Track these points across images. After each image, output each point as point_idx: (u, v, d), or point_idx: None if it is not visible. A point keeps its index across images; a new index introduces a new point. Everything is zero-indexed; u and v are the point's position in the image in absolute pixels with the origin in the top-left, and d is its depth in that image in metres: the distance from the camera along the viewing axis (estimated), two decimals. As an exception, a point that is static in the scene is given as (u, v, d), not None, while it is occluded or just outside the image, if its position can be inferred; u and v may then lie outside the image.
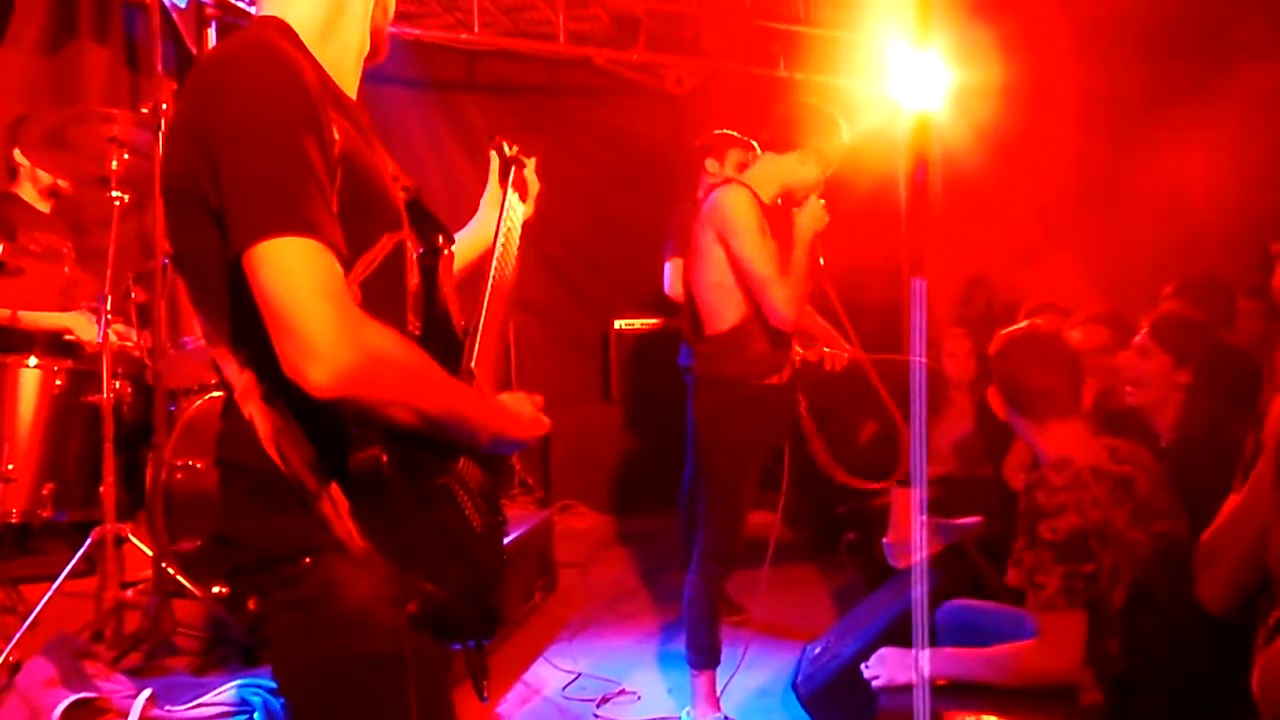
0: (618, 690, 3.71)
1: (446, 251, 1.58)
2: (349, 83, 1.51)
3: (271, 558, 1.36)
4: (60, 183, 4.11)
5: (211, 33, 4.70)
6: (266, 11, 1.46)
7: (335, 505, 1.32)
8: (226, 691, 2.86)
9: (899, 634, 2.81)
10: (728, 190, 3.24)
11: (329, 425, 1.29)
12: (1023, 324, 2.58)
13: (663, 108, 6.33)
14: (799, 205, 3.34)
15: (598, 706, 3.60)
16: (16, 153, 4.04)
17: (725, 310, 3.28)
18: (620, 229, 6.31)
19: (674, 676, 3.78)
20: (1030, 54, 4.98)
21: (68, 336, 3.87)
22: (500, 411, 1.49)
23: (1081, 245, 5.61)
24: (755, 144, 3.45)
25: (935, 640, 2.87)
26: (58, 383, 3.72)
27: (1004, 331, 2.56)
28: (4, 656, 3.08)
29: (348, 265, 1.30)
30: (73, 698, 2.69)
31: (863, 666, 2.64)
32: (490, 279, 1.68)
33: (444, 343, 1.52)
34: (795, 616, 4.36)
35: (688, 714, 3.43)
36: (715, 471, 3.34)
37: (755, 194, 3.24)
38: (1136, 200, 5.34)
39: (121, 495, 3.64)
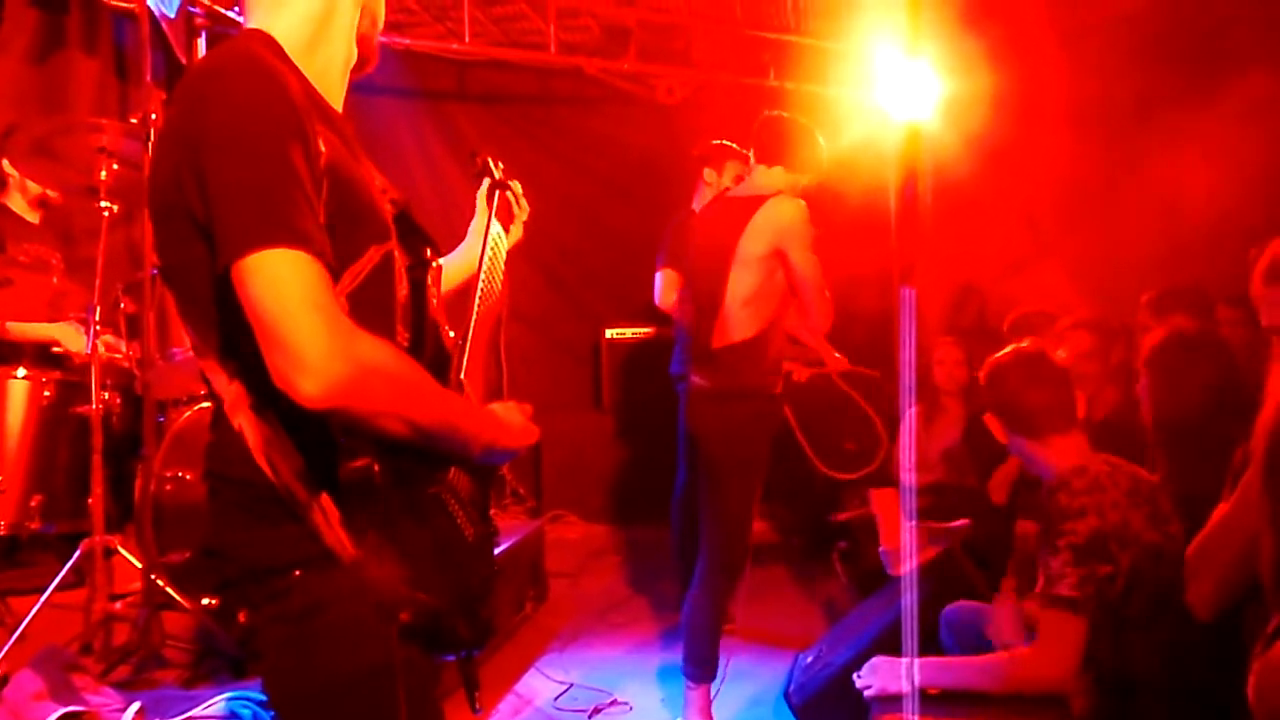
0: (610, 701, 3.70)
1: (435, 264, 1.58)
2: (335, 94, 1.51)
3: (261, 570, 1.36)
4: (50, 193, 4.09)
5: (201, 43, 4.68)
6: (253, 24, 1.46)
7: (326, 515, 1.32)
8: (216, 704, 2.86)
9: (891, 642, 2.81)
10: (784, 202, 3.26)
11: (319, 436, 1.29)
12: (1008, 348, 2.61)
13: (654, 117, 6.34)
14: None
15: (590, 717, 3.59)
16: (5, 163, 4.03)
17: (752, 320, 3.28)
18: (611, 238, 6.32)
19: (666, 687, 3.78)
20: (1020, 63, 5.00)
21: (55, 349, 3.85)
22: (491, 421, 1.48)
23: (1071, 253, 5.62)
24: (750, 155, 3.46)
25: (939, 643, 2.87)
26: (46, 394, 3.70)
27: (992, 358, 2.59)
28: (-8, 670, 3.06)
29: (335, 277, 1.30)
30: (61, 711, 2.68)
31: (855, 676, 2.64)
32: (478, 293, 1.68)
33: (433, 354, 1.52)
34: (787, 625, 4.36)
35: (680, 725, 3.42)
36: (729, 485, 3.32)
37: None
38: (1126, 208, 5.36)
39: (110, 507, 3.62)
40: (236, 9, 4.52)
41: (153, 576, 3.46)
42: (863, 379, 3.80)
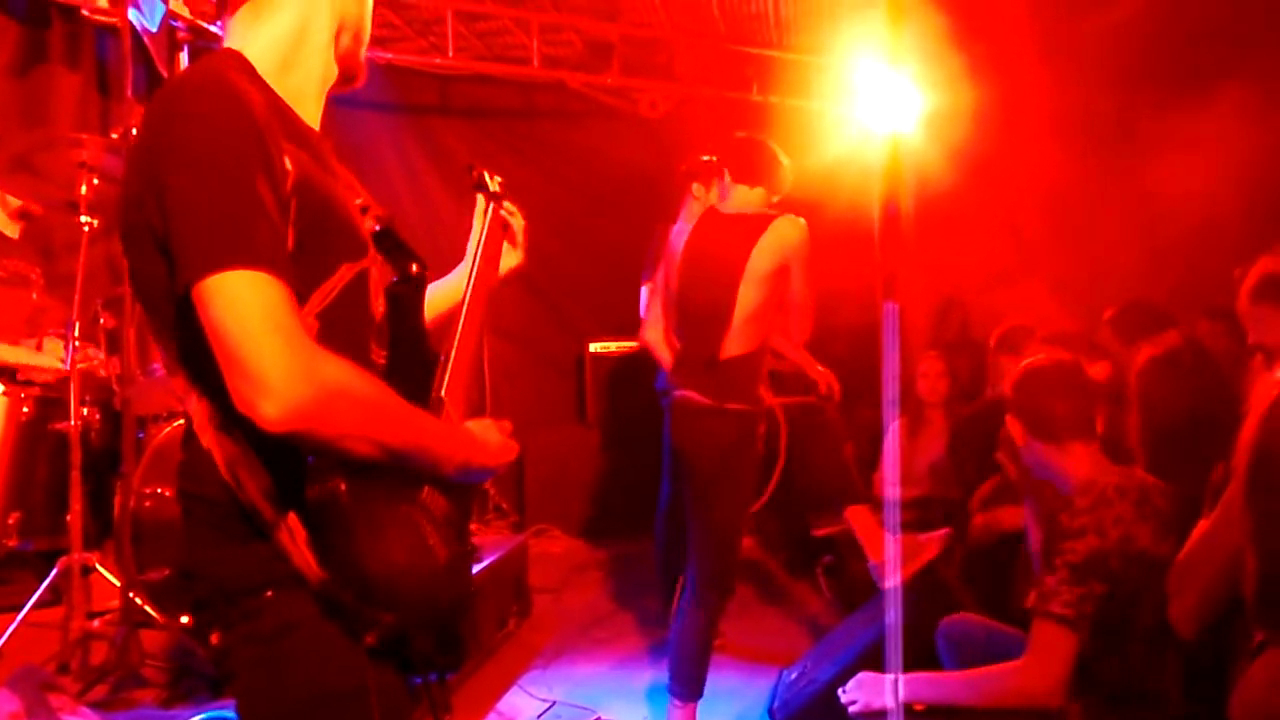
0: (593, 718, 3.67)
1: (419, 278, 1.56)
2: (311, 112, 1.50)
3: (233, 590, 1.35)
4: (31, 207, 4.07)
5: (183, 57, 4.67)
6: (229, 44, 1.46)
7: (293, 535, 1.31)
8: (194, 724, 2.83)
9: (876, 658, 2.81)
10: (792, 221, 3.33)
11: (286, 455, 1.28)
12: (1045, 356, 2.63)
13: (637, 131, 6.36)
14: None
15: (573, 734, 3.57)
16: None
17: (754, 335, 3.32)
18: (595, 252, 6.32)
19: (651, 704, 3.76)
20: (1001, 77, 5.03)
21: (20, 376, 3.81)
22: (466, 440, 1.47)
23: (1054, 266, 5.65)
24: (726, 174, 3.50)
25: (929, 658, 2.87)
26: (25, 410, 3.68)
27: (1025, 363, 2.61)
28: (-33, 690, 3.02)
29: (304, 296, 1.29)
30: (36, 732, 2.65)
31: (840, 691, 2.63)
32: (464, 308, 1.67)
33: (414, 370, 1.51)
34: (771, 641, 4.34)
35: (664, 743, 3.40)
36: (720, 500, 3.31)
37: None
38: (1108, 221, 5.39)
39: (89, 524, 3.60)
40: (218, 23, 4.52)
41: (131, 594, 3.43)
42: (809, 409, 3.85)
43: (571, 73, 6.03)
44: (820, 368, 3.93)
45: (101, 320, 3.96)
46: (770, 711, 3.54)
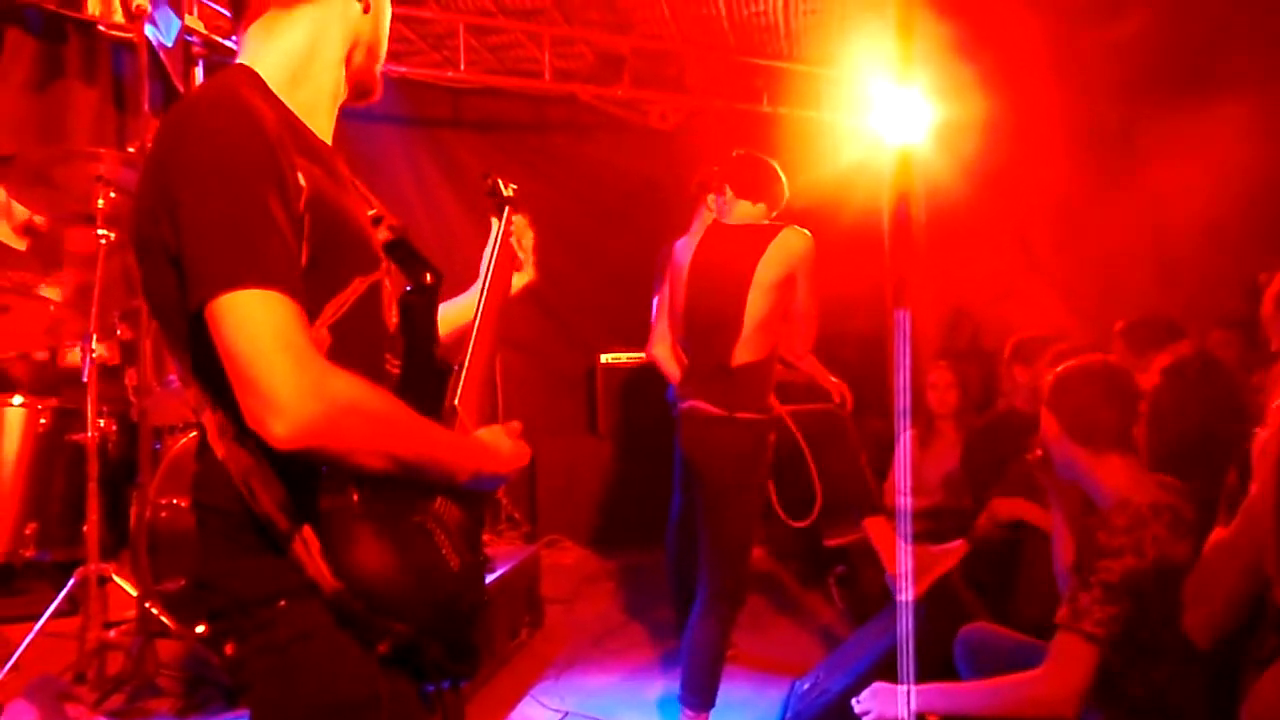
0: (606, 728, 3.68)
1: (433, 287, 1.58)
2: (322, 127, 1.51)
3: (247, 601, 1.36)
4: (36, 219, 4.10)
5: (199, 72, 4.71)
6: (241, 60, 1.48)
7: (307, 546, 1.32)
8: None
9: (888, 669, 2.80)
10: (798, 232, 3.39)
11: (300, 466, 1.29)
12: (1094, 358, 2.57)
13: (648, 143, 6.38)
14: None
15: (586, 744, 3.58)
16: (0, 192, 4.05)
17: (763, 343, 3.34)
18: (606, 263, 6.34)
19: (663, 715, 3.76)
20: (1012, 88, 5.05)
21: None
22: (478, 450, 1.48)
23: (1064, 276, 5.65)
24: (727, 189, 3.54)
25: (945, 668, 2.86)
26: (42, 421, 3.71)
27: (1069, 364, 2.55)
28: (-15, 699, 3.05)
29: (317, 309, 1.31)
30: (54, 741, 2.66)
31: (853, 701, 2.63)
32: (477, 318, 1.68)
33: (427, 379, 1.52)
34: (783, 651, 4.34)
35: (677, 754, 3.40)
36: (730, 510, 3.32)
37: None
38: (1118, 231, 5.39)
39: (105, 534, 3.61)
40: (234, 38, 4.55)
41: (147, 604, 3.45)
42: (824, 416, 3.84)
43: (583, 85, 6.05)
44: (833, 378, 3.94)
45: (119, 332, 3.99)
46: (783, 722, 3.54)
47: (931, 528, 4.11)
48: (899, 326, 3.19)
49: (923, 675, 2.54)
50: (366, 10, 1.54)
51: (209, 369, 1.28)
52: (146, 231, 1.32)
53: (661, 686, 3.98)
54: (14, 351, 3.95)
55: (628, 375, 6.12)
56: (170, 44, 4.44)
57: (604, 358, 6.17)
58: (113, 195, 3.69)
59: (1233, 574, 2.04)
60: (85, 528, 3.50)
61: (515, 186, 1.94)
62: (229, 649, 1.38)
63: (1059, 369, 2.55)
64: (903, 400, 3.34)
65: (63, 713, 2.91)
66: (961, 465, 4.43)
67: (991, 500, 3.64)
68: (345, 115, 1.59)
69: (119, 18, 4.50)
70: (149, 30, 3.88)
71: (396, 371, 1.50)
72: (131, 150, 3.65)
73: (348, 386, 1.26)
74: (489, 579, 3.94)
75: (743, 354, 3.32)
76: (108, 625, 3.60)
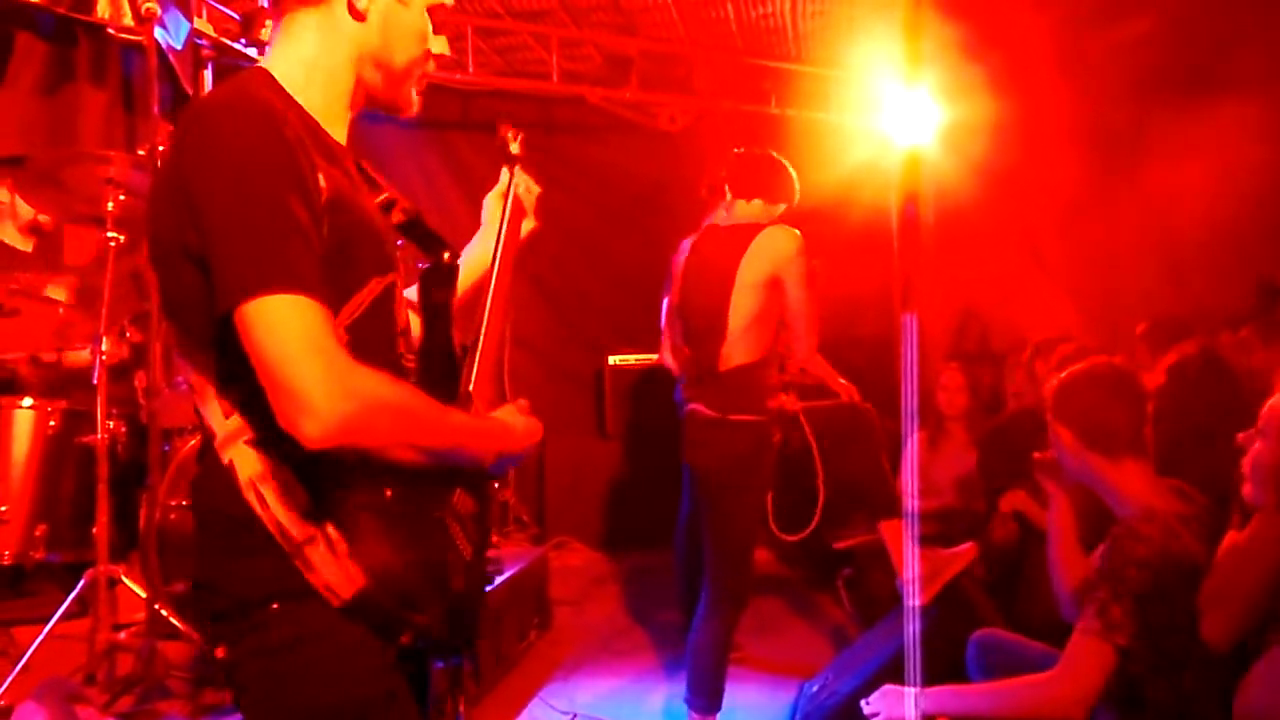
0: (614, 730, 3.68)
1: (452, 266, 1.61)
2: (336, 130, 1.52)
3: (239, 603, 1.36)
4: (41, 218, 4.11)
5: (208, 74, 4.72)
6: (261, 63, 1.49)
7: (332, 547, 1.32)
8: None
9: (898, 671, 2.80)
10: (781, 232, 3.34)
11: (329, 467, 1.30)
12: (1097, 360, 2.54)
13: (656, 145, 6.38)
14: None
15: (594, 747, 3.57)
16: (2, 191, 4.06)
17: (755, 345, 3.33)
18: (614, 265, 6.34)
19: (671, 716, 3.75)
20: (1020, 89, 5.04)
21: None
22: (499, 431, 1.52)
23: (1072, 277, 5.64)
24: (726, 190, 3.52)
25: (957, 670, 2.85)
26: (52, 423, 3.71)
27: (1075, 368, 2.51)
28: (-5, 701, 3.05)
29: (335, 309, 1.32)
30: (65, 742, 2.67)
31: (863, 703, 2.62)
32: (489, 296, 1.69)
33: (442, 367, 1.55)
34: (792, 654, 4.33)
35: (686, 757, 3.40)
36: (731, 513, 3.32)
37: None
38: (1126, 233, 5.38)
39: (115, 536, 3.62)
40: (242, 40, 4.53)
41: (157, 606, 3.46)
42: (847, 412, 3.79)
43: (591, 87, 6.06)
44: (843, 380, 3.93)
45: (128, 335, 4.00)
46: (791, 724, 3.53)
47: (940, 530, 4.11)
48: (906, 328, 3.17)
49: (933, 678, 2.54)
50: (360, 19, 1.49)
51: (237, 374, 1.29)
52: (165, 235, 1.34)
53: (670, 689, 3.98)
54: (23, 354, 3.95)
55: (636, 377, 6.12)
56: (179, 47, 4.46)
57: (612, 359, 6.17)
58: (122, 198, 3.70)
59: (1250, 578, 2.03)
60: (95, 530, 3.50)
61: (522, 138, 1.99)
62: (220, 652, 1.39)
63: (1063, 375, 2.52)
64: (910, 402, 3.33)
65: (73, 714, 2.91)
66: (977, 467, 4.42)
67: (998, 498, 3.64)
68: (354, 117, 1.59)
69: (128, 21, 4.50)
70: (158, 33, 3.89)
71: (412, 365, 1.52)
72: (141, 153, 3.66)
73: (376, 384, 1.29)
74: (498, 580, 3.95)
75: (733, 356, 3.31)
76: (117, 627, 3.60)
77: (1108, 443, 2.37)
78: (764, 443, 3.34)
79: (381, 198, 1.61)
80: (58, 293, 4.10)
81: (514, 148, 1.95)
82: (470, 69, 5.62)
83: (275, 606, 1.34)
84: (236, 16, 4.72)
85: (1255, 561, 2.00)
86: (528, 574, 4.37)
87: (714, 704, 3.35)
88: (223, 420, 1.37)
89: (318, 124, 1.46)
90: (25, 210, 4.10)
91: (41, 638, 3.34)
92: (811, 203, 3.70)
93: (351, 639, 1.35)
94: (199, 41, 4.64)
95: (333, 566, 1.32)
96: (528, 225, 1.96)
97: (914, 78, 4.57)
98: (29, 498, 3.66)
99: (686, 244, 3.70)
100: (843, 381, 3.91)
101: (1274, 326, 3.82)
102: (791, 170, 3.56)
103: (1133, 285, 5.46)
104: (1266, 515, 2.00)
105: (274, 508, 1.32)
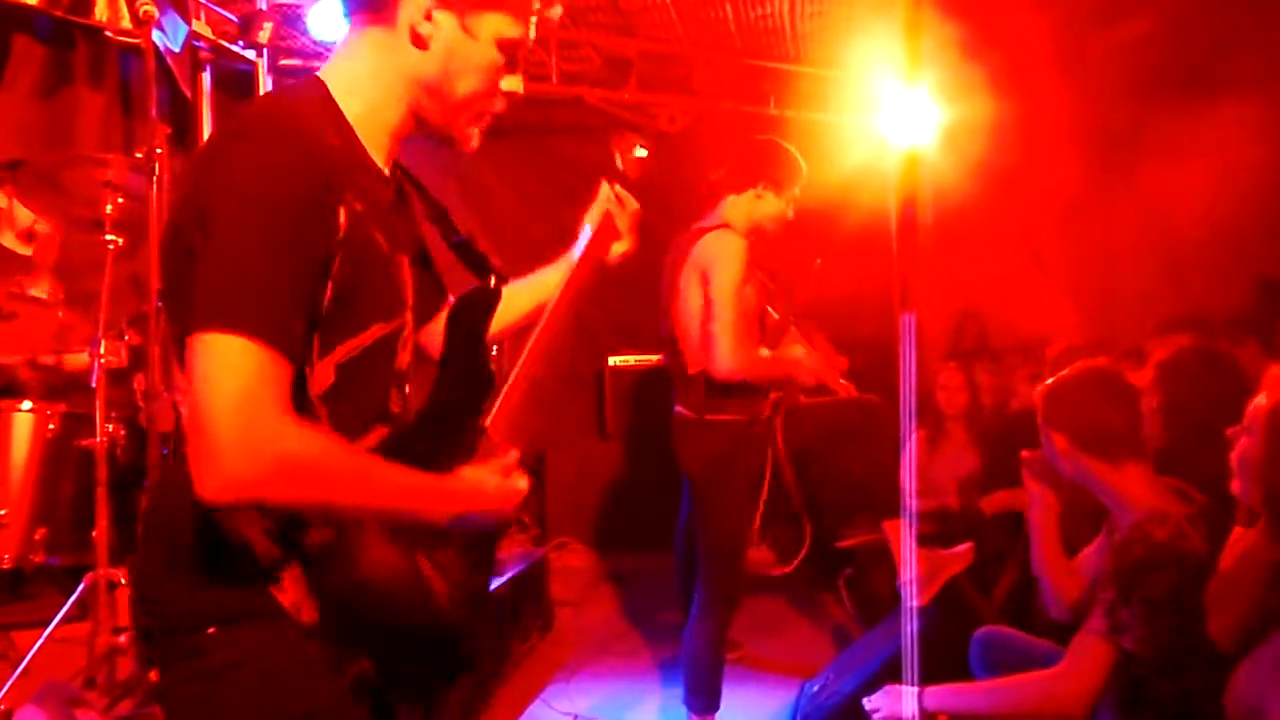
0: (615, 731, 3.67)
1: (495, 292, 1.56)
2: (382, 151, 1.48)
3: (175, 626, 1.34)
4: (38, 226, 4.10)
5: (206, 77, 4.72)
6: (321, 71, 1.46)
7: (289, 578, 1.30)
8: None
9: (898, 670, 2.80)
10: (722, 235, 3.32)
11: None
12: (1080, 365, 2.52)
13: (655, 146, 6.36)
14: (770, 239, 3.44)
15: (595, 748, 3.57)
16: (1, 197, 4.05)
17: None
18: (613, 266, 6.33)
19: (670, 718, 3.75)
20: (1019, 89, 5.03)
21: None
22: (458, 494, 1.42)
23: (1071, 277, 5.64)
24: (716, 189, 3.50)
25: (959, 668, 2.85)
26: (51, 427, 3.70)
27: (1065, 373, 2.50)
28: (-5, 704, 3.05)
29: (329, 346, 1.30)
30: (64, 746, 2.66)
31: (865, 701, 2.62)
32: (539, 324, 1.65)
33: (460, 397, 1.50)
34: (793, 653, 4.33)
35: (686, 757, 3.40)
36: (716, 513, 3.33)
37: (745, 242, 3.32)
38: (1126, 233, 5.38)
39: (114, 539, 3.61)
40: (240, 43, 4.53)
41: (157, 609, 3.44)
42: (855, 407, 3.75)
43: (590, 88, 6.05)
44: (842, 380, 3.91)
45: (126, 338, 3.99)
46: (792, 725, 3.53)
47: (939, 530, 4.10)
48: (905, 329, 3.17)
49: (934, 677, 2.54)
50: (422, 47, 1.44)
51: None
52: (177, 229, 1.32)
53: (671, 689, 3.98)
54: (22, 357, 3.95)
55: (637, 378, 6.11)
56: (177, 49, 4.45)
57: (613, 360, 6.16)
58: (120, 200, 3.69)
59: (1254, 577, 2.03)
60: (94, 533, 3.49)
61: (642, 152, 1.92)
62: (152, 675, 1.36)
63: (1050, 381, 2.51)
64: (908, 402, 3.32)
65: (73, 718, 2.91)
66: (983, 464, 4.42)
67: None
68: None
69: (126, 23, 4.50)
70: (156, 36, 3.89)
71: (399, 410, 1.47)
72: (139, 156, 3.64)
73: (299, 443, 1.23)
74: (497, 582, 3.95)
75: (700, 359, 3.30)
76: (117, 630, 3.59)
77: (1105, 446, 2.37)
78: (741, 442, 3.33)
79: (433, 218, 1.59)
80: (55, 296, 4.10)
81: (619, 163, 1.90)
82: (469, 71, 5.62)
83: (212, 631, 1.31)
84: (234, 19, 4.71)
85: (1259, 560, 2.00)
86: (528, 575, 4.37)
87: (712, 704, 3.35)
88: None
89: (360, 144, 1.43)
90: (24, 216, 4.09)
91: (41, 641, 3.33)
92: (810, 203, 3.70)
93: (294, 666, 1.32)
94: (197, 44, 4.63)
95: (286, 599, 1.30)
96: (620, 246, 1.92)
97: (913, 78, 4.57)
98: (28, 501, 3.65)
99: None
100: (842, 382, 3.87)
101: (1267, 326, 3.82)
102: (793, 152, 3.51)
103: (1132, 285, 5.46)
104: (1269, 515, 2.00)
105: (244, 529, 1.30)
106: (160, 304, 1.47)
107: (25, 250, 4.15)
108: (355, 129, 1.42)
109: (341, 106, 1.41)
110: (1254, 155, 4.59)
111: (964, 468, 4.58)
